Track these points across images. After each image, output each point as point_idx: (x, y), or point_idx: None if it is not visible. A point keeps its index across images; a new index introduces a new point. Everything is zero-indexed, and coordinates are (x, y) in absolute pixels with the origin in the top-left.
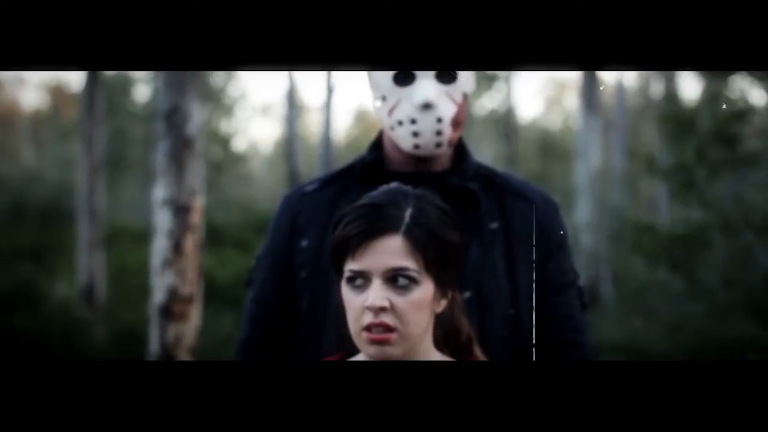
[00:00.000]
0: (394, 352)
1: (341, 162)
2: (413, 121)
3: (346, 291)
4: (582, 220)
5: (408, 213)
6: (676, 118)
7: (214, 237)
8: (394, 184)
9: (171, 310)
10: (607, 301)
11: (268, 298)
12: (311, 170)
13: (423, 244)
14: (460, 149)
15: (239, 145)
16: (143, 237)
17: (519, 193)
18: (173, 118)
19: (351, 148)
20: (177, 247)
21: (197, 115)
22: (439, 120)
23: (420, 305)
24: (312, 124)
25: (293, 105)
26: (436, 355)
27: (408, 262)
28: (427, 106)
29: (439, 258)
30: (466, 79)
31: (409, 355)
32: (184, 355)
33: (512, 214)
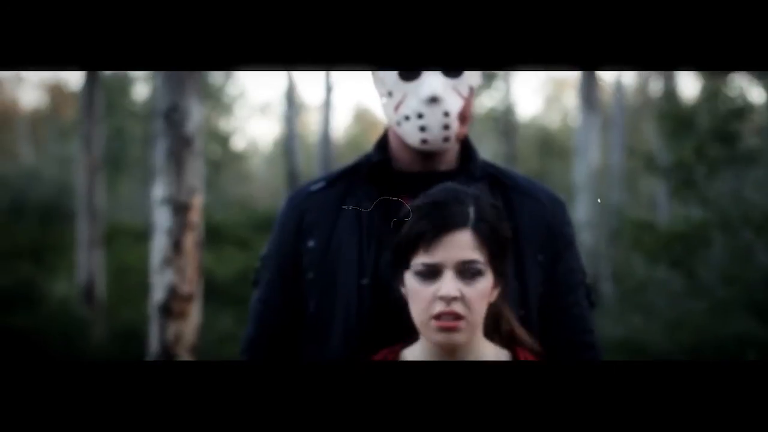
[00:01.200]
0: (460, 339)
1: (341, 160)
2: (420, 116)
3: (414, 282)
4: (582, 218)
5: (471, 209)
6: (675, 116)
7: (214, 235)
8: (449, 184)
9: (171, 309)
10: (607, 298)
11: (274, 298)
12: (311, 169)
13: (488, 238)
14: (466, 147)
15: (238, 143)
16: (143, 236)
17: (526, 192)
18: (172, 116)
19: (350, 147)
20: (176, 246)
21: (196, 113)
22: (446, 114)
23: (484, 295)
24: (311, 123)
25: (292, 103)
26: (487, 345)
27: (477, 255)
28: (434, 100)
29: (499, 251)
30: (472, 72)
31: (471, 342)
32: (184, 354)
33: (521, 214)
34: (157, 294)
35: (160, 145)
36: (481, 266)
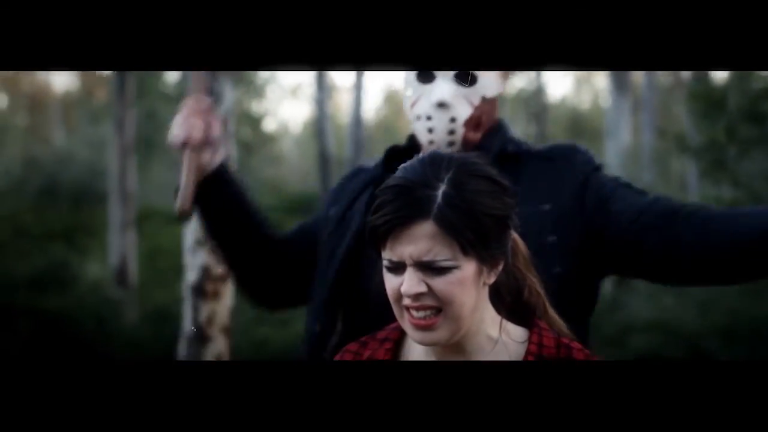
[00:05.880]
0: (441, 336)
1: (372, 142)
2: (429, 118)
3: (384, 273)
4: None
5: (441, 192)
6: (705, 97)
7: None
8: (430, 151)
9: (204, 289)
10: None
11: (303, 227)
12: (342, 151)
13: (457, 229)
14: (487, 134)
15: (270, 125)
16: (174, 218)
17: (539, 156)
18: None
19: (381, 128)
20: None
21: (228, 95)
22: (453, 120)
23: (462, 284)
24: (342, 104)
25: (323, 85)
26: (494, 330)
27: (440, 251)
28: (441, 105)
29: (478, 238)
30: (488, 83)
31: (459, 334)
32: (217, 334)
33: (533, 180)
34: (191, 275)
35: None
36: (447, 263)
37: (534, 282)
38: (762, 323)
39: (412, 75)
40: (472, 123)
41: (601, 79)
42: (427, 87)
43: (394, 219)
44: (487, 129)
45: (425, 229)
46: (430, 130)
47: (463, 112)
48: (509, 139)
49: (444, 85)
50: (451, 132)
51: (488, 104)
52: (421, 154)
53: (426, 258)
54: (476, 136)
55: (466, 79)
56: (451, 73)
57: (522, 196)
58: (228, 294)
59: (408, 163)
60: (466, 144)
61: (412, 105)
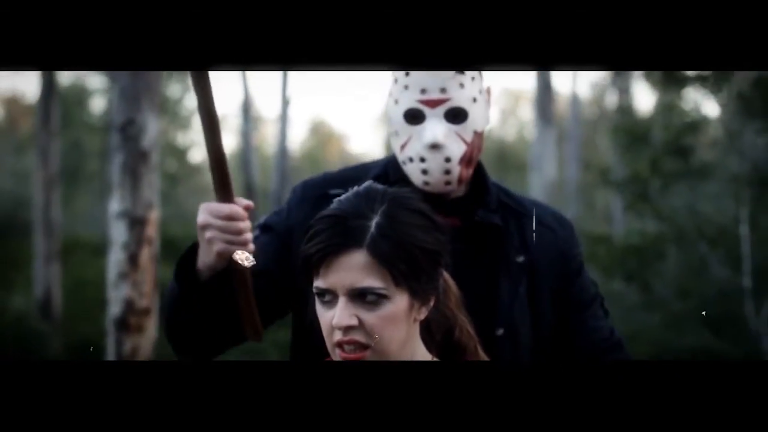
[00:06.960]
0: None
1: (297, 173)
2: (422, 160)
3: (317, 306)
4: None
5: (374, 222)
6: (629, 130)
7: (171, 249)
8: (366, 184)
9: (127, 323)
10: None
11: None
12: (267, 182)
13: (389, 259)
14: (479, 175)
15: (196, 156)
16: (100, 249)
17: (538, 220)
18: (128, 130)
19: (307, 160)
20: (133, 260)
21: (152, 127)
22: (448, 160)
23: (393, 319)
24: (268, 136)
25: (249, 116)
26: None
27: (373, 281)
28: (435, 147)
29: (410, 270)
30: (477, 116)
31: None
32: None
33: (536, 245)
34: (114, 308)
35: (116, 159)
36: (380, 292)
37: (465, 322)
38: (684, 355)
39: (399, 116)
40: (466, 160)
41: (526, 111)
42: (417, 128)
43: (327, 247)
44: (475, 166)
45: (358, 258)
46: (425, 172)
47: (457, 150)
48: (498, 187)
49: (436, 125)
50: (447, 172)
51: (478, 138)
52: (356, 188)
53: (359, 285)
54: (469, 172)
55: (457, 117)
56: (441, 111)
57: (536, 266)
58: (151, 327)
59: (343, 196)
60: (460, 181)
61: (402, 147)
